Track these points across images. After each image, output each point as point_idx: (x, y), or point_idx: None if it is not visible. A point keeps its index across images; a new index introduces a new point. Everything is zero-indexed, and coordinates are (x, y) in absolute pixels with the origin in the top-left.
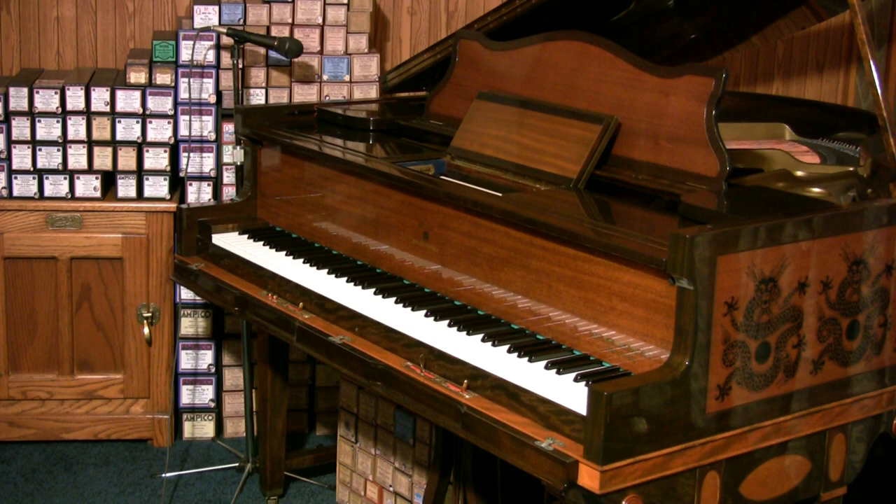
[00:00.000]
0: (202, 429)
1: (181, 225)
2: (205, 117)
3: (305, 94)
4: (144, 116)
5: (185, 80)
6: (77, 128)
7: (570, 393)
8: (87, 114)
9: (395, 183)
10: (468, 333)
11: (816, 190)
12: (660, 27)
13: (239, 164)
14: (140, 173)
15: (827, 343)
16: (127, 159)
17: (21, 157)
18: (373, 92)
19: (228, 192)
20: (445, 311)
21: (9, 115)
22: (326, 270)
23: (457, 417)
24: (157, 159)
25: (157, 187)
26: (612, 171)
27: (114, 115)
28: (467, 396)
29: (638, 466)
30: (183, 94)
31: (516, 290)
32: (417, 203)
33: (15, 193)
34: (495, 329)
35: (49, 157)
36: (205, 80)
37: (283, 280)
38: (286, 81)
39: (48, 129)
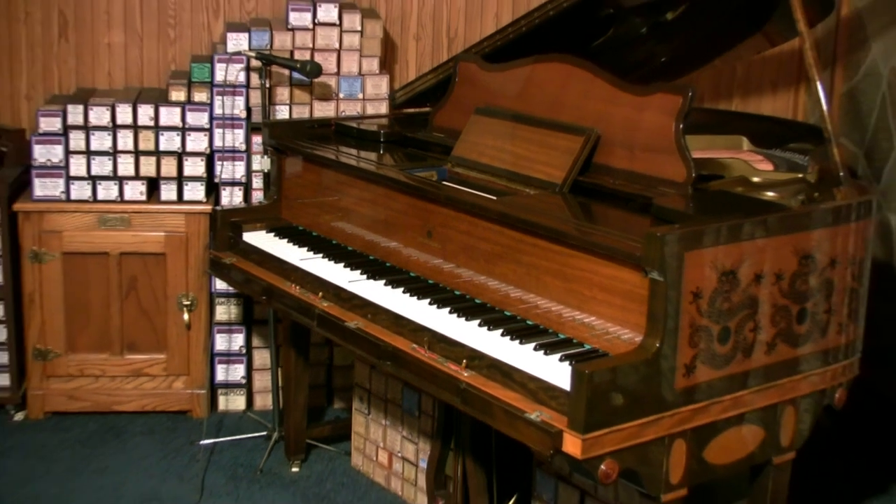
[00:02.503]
0: (234, 402)
1: (216, 224)
2: (236, 130)
3: (324, 110)
4: (184, 129)
5: (220, 97)
6: (125, 140)
7: (556, 371)
8: (135, 128)
9: (403, 188)
10: (467, 319)
11: (771, 194)
12: (635, 51)
13: (266, 171)
14: (180, 179)
15: (779, 327)
16: (169, 167)
17: (77, 166)
18: (383, 108)
19: (257, 196)
20: (447, 300)
21: (67, 129)
22: (343, 264)
23: (457, 393)
24: (194, 167)
25: (195, 191)
26: (593, 177)
27: (157, 128)
28: (466, 374)
29: (615, 435)
30: (217, 110)
31: (509, 281)
32: (422, 205)
33: (72, 197)
34: (491, 315)
35: (101, 165)
36: (236, 97)
37: (305, 273)
38: (307, 99)
39: (101, 141)
